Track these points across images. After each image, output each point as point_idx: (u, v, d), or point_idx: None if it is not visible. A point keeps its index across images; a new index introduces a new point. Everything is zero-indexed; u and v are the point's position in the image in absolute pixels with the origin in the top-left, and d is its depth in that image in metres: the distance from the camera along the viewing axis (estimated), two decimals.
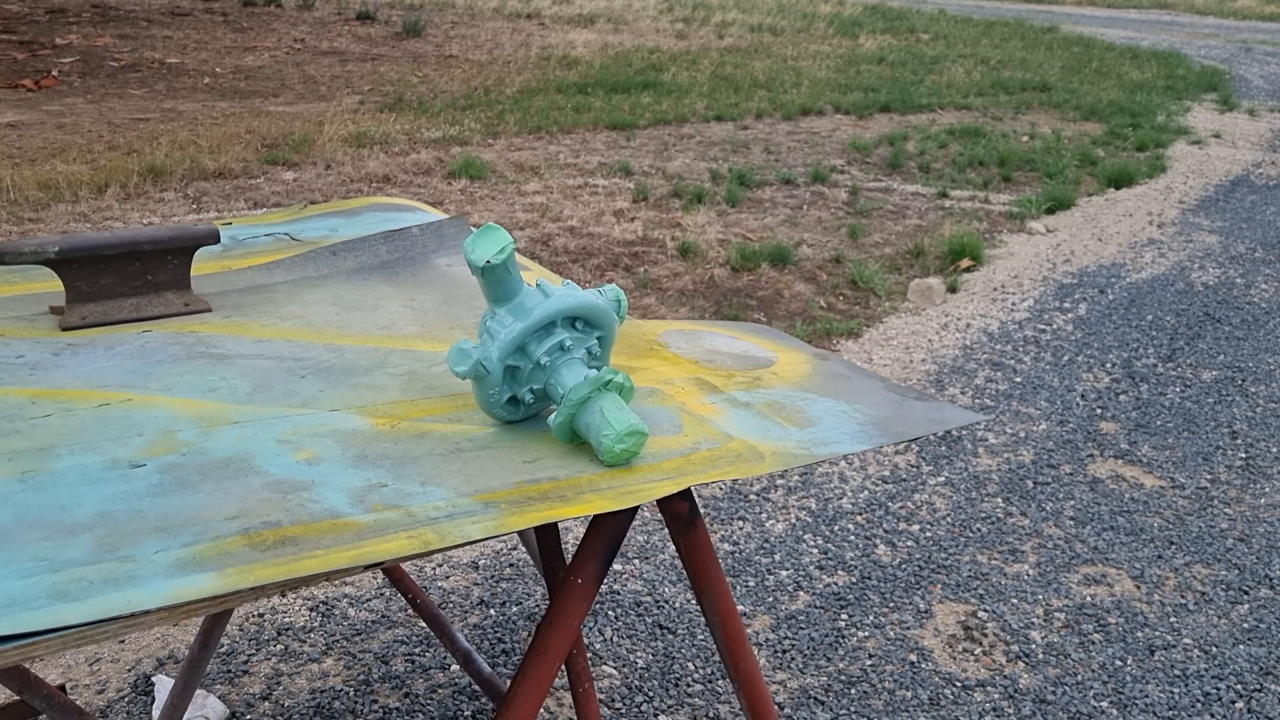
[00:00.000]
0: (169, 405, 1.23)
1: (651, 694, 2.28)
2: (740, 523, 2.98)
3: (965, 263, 5.52)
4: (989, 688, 2.34)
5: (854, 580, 2.73)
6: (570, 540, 2.77)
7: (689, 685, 2.31)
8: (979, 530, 2.99)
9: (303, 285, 1.66)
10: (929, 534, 2.96)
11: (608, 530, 1.36)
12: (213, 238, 1.51)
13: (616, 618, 2.53)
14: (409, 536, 1.02)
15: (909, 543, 2.91)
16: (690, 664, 2.38)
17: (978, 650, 2.47)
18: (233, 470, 1.10)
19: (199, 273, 1.63)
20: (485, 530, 1.05)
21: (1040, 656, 2.46)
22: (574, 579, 1.36)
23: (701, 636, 2.46)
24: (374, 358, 1.41)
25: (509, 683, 2.06)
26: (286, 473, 1.11)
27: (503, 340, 1.19)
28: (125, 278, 1.49)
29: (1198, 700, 2.32)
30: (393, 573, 2.05)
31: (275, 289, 1.64)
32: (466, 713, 2.19)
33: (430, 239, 1.81)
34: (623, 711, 2.22)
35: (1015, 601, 2.66)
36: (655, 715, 2.22)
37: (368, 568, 0.98)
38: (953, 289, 5.20)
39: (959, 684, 2.35)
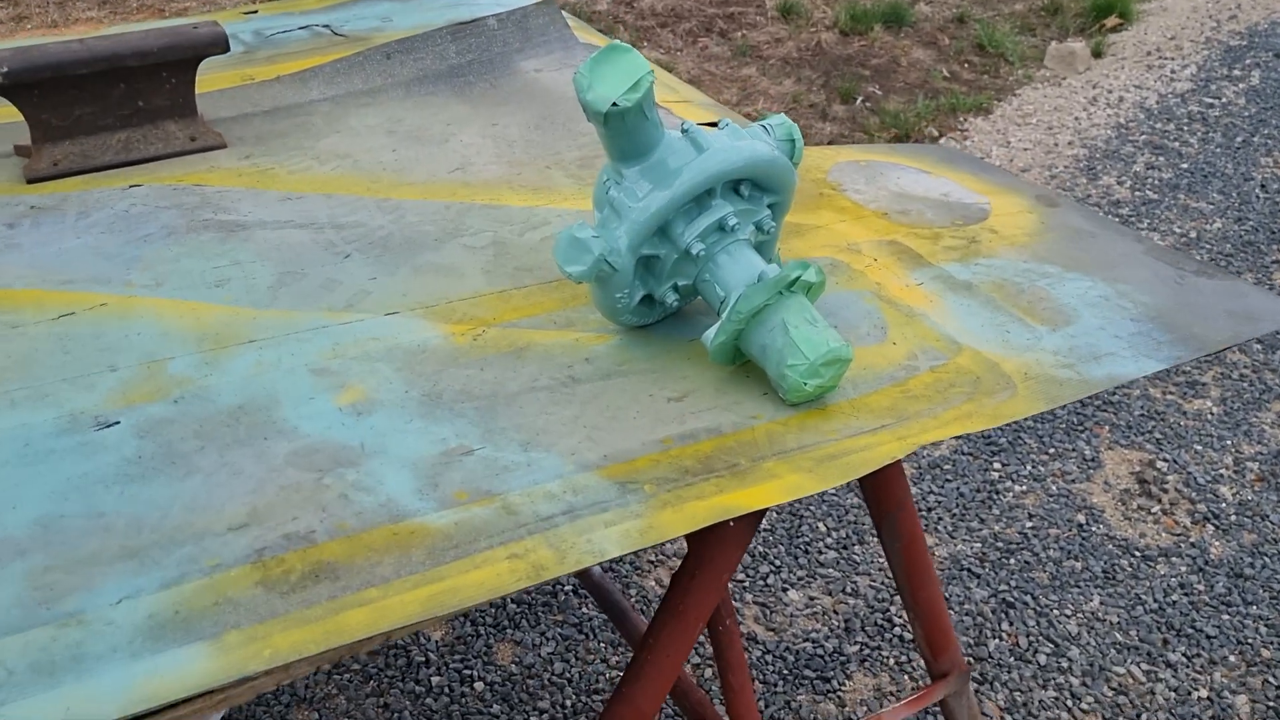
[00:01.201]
0: (158, 313, 0.86)
1: (778, 562, 1.98)
2: None
3: (1112, 21, 4.81)
4: (1174, 558, 2.00)
5: None
6: None
7: (820, 552, 2.00)
8: None
9: (348, 104, 1.25)
10: None
11: None
12: (218, 44, 1.10)
13: None
14: (511, 556, 0.66)
15: None
16: (821, 524, 2.06)
17: (1156, 509, 2.12)
18: (246, 428, 0.74)
19: (211, 88, 1.23)
20: (624, 540, 0.69)
21: (1232, 518, 2.09)
22: (725, 520, 1.01)
23: (834, 492, 2.13)
24: (445, 219, 1.02)
25: (620, 590, 1.71)
26: (324, 430, 0.75)
27: (635, 221, 0.79)
28: (108, 105, 1.10)
29: None
30: None
31: (312, 111, 1.23)
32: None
33: (512, 34, 1.37)
34: (746, 585, 1.93)
35: (1198, 448, 2.28)
36: (784, 590, 1.92)
37: (447, 616, 0.63)
38: (1098, 53, 4.53)
39: (1137, 553, 2.01)
